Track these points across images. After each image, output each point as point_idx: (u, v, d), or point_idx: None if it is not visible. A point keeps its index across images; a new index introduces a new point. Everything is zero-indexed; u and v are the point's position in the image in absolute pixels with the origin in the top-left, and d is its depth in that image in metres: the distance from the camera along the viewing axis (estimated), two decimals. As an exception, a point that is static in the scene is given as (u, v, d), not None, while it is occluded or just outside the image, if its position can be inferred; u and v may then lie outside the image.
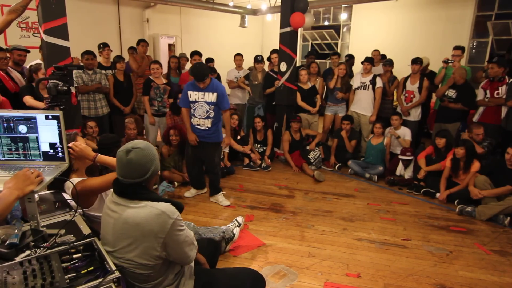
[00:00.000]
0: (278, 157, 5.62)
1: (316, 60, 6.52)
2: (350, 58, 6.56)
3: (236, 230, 2.94)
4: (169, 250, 1.47)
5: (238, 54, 6.22)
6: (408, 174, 4.60)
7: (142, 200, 1.46)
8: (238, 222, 3.07)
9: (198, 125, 3.74)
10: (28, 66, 4.76)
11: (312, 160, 5.19)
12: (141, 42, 5.61)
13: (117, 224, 1.46)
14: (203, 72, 3.49)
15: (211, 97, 3.61)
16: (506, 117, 4.39)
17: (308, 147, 5.35)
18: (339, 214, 3.69)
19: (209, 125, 3.70)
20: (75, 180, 1.93)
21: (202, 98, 3.62)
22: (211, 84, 3.62)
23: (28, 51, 4.57)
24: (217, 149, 3.96)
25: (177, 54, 7.41)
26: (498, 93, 4.44)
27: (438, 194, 4.12)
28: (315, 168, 5.16)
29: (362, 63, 5.30)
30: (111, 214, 1.49)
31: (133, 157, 1.44)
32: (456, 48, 5.16)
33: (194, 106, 3.69)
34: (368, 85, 5.22)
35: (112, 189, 1.58)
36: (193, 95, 3.65)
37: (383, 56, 6.55)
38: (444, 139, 4.29)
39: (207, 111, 3.66)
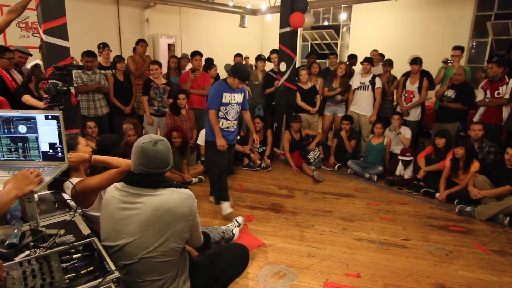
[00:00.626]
0: (277, 157, 5.62)
1: (316, 60, 6.53)
2: (352, 58, 6.56)
3: (236, 230, 2.94)
4: (192, 231, 1.60)
5: (238, 55, 6.23)
6: (407, 174, 4.61)
7: (166, 188, 1.53)
8: (237, 222, 3.08)
9: (228, 127, 3.61)
10: (29, 66, 4.76)
11: (311, 160, 5.19)
12: (140, 42, 5.60)
13: (144, 214, 1.47)
14: (248, 71, 3.49)
15: (240, 98, 3.61)
16: (508, 118, 4.38)
17: (308, 147, 5.35)
18: (339, 214, 3.69)
19: (235, 127, 3.71)
20: (74, 180, 1.93)
21: (234, 99, 3.56)
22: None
23: (30, 55, 4.56)
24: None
25: (178, 54, 7.41)
26: (498, 93, 4.44)
27: (437, 194, 4.12)
28: (314, 168, 5.16)
29: (361, 63, 5.30)
30: (130, 206, 1.49)
31: (160, 148, 1.53)
32: (456, 48, 5.17)
33: (226, 109, 3.54)
34: (368, 85, 5.23)
35: (115, 184, 1.59)
36: (227, 97, 3.51)
37: (382, 56, 6.55)
38: (443, 139, 4.29)
39: (237, 112, 3.65)
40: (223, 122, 3.57)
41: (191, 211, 1.54)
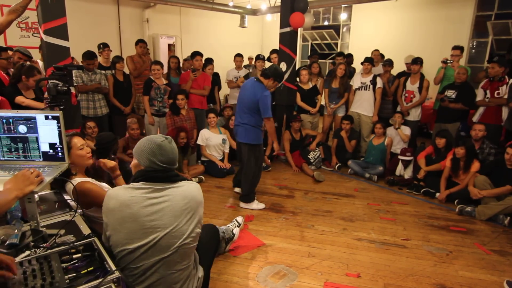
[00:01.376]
0: (278, 157, 5.62)
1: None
2: (346, 57, 6.55)
3: (236, 230, 2.94)
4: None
5: (239, 55, 6.23)
6: (408, 174, 4.61)
7: (181, 181, 1.66)
8: (237, 222, 3.08)
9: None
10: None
11: (312, 160, 5.19)
12: (140, 42, 5.58)
13: (176, 204, 1.57)
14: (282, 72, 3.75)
15: None
16: (508, 118, 4.38)
17: (308, 147, 5.35)
18: (339, 214, 3.69)
19: None
20: (76, 180, 1.93)
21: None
22: None
23: (31, 57, 4.56)
24: None
25: (178, 55, 7.41)
26: (498, 93, 4.44)
27: (438, 194, 4.12)
28: (315, 168, 5.16)
29: (362, 63, 5.30)
30: (159, 200, 1.55)
31: (174, 146, 1.66)
32: (455, 48, 5.17)
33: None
34: (369, 85, 5.23)
35: (126, 186, 1.60)
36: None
37: (383, 56, 6.56)
38: (444, 139, 4.29)
39: None
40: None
41: (202, 199, 1.70)
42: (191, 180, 1.73)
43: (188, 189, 1.64)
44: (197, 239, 1.67)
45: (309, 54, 8.86)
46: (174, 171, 1.67)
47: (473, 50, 7.93)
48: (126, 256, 1.52)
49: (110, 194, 1.57)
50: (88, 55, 4.62)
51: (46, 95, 2.34)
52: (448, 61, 5.10)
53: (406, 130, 4.93)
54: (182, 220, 1.56)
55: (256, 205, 3.79)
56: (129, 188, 1.57)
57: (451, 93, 4.75)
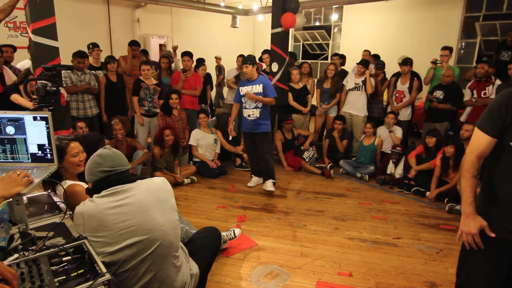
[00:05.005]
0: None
1: (307, 61, 6.56)
2: (340, 59, 6.59)
3: (227, 238, 2.90)
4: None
5: (241, 55, 6.20)
6: (398, 172, 4.65)
7: (141, 179, 1.62)
8: (234, 234, 2.96)
9: (249, 115, 4.20)
10: (19, 64, 4.68)
11: (307, 160, 5.21)
12: (133, 45, 5.50)
13: (141, 199, 1.54)
14: (249, 57, 4.16)
15: (257, 88, 4.11)
16: None
17: (302, 147, 5.37)
18: (331, 214, 3.71)
19: (258, 115, 4.15)
20: (67, 182, 1.90)
21: (250, 90, 4.13)
22: (258, 78, 4.15)
23: (14, 47, 4.52)
24: (268, 138, 4.33)
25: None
26: (485, 93, 4.52)
27: (428, 193, 4.17)
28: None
29: (357, 64, 5.35)
30: (122, 202, 1.51)
31: (115, 151, 1.64)
32: (444, 48, 5.25)
33: (245, 99, 4.19)
34: (362, 85, 5.27)
35: (85, 202, 1.53)
36: (243, 90, 4.18)
37: (374, 56, 6.60)
38: (434, 138, 4.34)
39: (255, 101, 4.14)
40: (244, 111, 4.24)
41: (169, 187, 1.70)
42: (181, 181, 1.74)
43: (151, 182, 1.63)
44: (178, 228, 1.66)
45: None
46: (129, 171, 1.64)
47: (462, 51, 8.05)
48: (112, 261, 1.49)
49: (76, 211, 1.53)
50: (79, 54, 4.55)
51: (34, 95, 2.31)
52: (438, 62, 5.17)
53: (398, 131, 4.97)
54: (153, 212, 1.54)
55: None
56: (91, 200, 1.54)
57: (439, 94, 4.81)
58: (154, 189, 1.60)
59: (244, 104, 4.23)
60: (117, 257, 1.48)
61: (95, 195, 1.54)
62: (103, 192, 1.53)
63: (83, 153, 2.08)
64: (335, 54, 6.56)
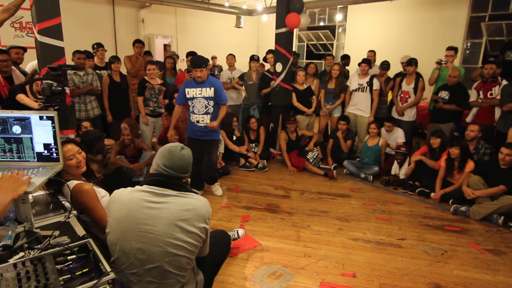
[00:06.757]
0: (274, 157, 5.63)
1: (313, 61, 6.54)
2: (344, 59, 6.58)
3: (241, 232, 2.93)
4: (207, 236, 1.64)
5: (230, 54, 6.19)
6: (402, 173, 4.62)
7: (186, 192, 1.60)
8: (237, 235, 2.97)
9: (198, 121, 3.76)
10: (28, 65, 4.71)
11: (311, 160, 5.20)
12: (136, 43, 5.56)
13: (174, 212, 1.51)
14: (199, 58, 3.67)
15: (207, 92, 3.70)
16: (500, 119, 4.43)
17: (306, 148, 5.36)
18: (335, 214, 3.70)
19: (208, 122, 3.75)
20: (73, 182, 1.90)
21: (199, 94, 3.70)
22: (208, 79, 3.71)
23: (25, 49, 4.53)
24: (216, 147, 4.02)
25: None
26: (491, 94, 4.48)
27: (432, 194, 4.15)
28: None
29: (359, 64, 5.33)
30: (156, 205, 1.52)
31: (185, 154, 1.62)
32: (449, 48, 5.21)
33: (193, 103, 3.73)
34: (366, 87, 5.25)
35: (132, 188, 1.59)
36: (190, 92, 3.71)
37: (384, 65, 6.54)
38: (439, 139, 4.31)
39: (206, 106, 3.73)
40: (191, 116, 3.80)
41: (209, 214, 1.62)
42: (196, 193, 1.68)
43: (192, 201, 1.57)
44: (194, 254, 1.60)
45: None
46: (181, 180, 1.62)
47: (467, 51, 7.99)
48: (120, 258, 1.52)
49: (114, 194, 1.59)
50: (78, 51, 4.58)
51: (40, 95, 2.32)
52: (443, 62, 5.14)
53: (400, 135, 4.95)
54: (175, 230, 1.50)
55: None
56: (132, 190, 1.58)
57: (444, 94, 4.78)
58: (191, 208, 1.54)
59: (191, 108, 3.76)
60: (128, 257, 1.50)
61: (137, 186, 1.59)
62: (145, 187, 1.57)
63: (80, 153, 2.04)
64: (329, 55, 6.51)
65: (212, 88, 3.68)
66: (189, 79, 3.80)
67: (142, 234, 1.49)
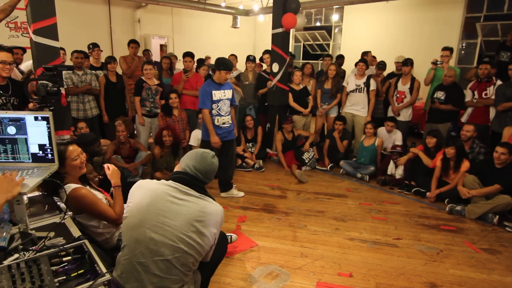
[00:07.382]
0: (270, 157, 5.63)
1: (310, 61, 6.55)
2: (338, 58, 6.59)
3: (233, 237, 2.92)
4: (215, 241, 1.70)
5: (232, 55, 6.20)
6: (399, 173, 4.65)
7: (206, 196, 1.68)
8: (230, 240, 2.94)
9: (224, 123, 3.81)
10: (24, 65, 4.68)
11: (306, 161, 5.21)
12: (131, 43, 5.54)
13: (192, 211, 1.59)
14: (231, 62, 3.79)
15: (229, 94, 3.83)
16: (494, 119, 4.46)
17: (302, 148, 5.36)
18: (331, 214, 3.71)
19: (230, 121, 3.89)
20: (70, 186, 1.90)
21: (224, 95, 3.77)
22: (227, 82, 3.85)
23: (25, 50, 4.51)
24: (235, 145, 4.14)
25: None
26: (486, 94, 4.51)
27: (428, 194, 4.16)
28: (309, 168, 5.19)
29: (356, 64, 5.34)
30: (178, 201, 1.60)
31: (215, 162, 1.76)
32: (445, 49, 5.24)
33: (218, 105, 3.75)
34: (363, 87, 5.26)
35: (159, 181, 1.66)
36: (217, 94, 3.72)
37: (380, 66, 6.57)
38: (435, 139, 4.34)
39: (229, 108, 3.86)
40: (217, 119, 3.77)
41: (222, 221, 1.71)
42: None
43: (211, 205, 1.65)
44: (201, 257, 1.65)
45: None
46: (204, 185, 1.71)
47: (463, 51, 8.04)
48: (131, 245, 1.55)
49: (140, 182, 1.70)
50: (79, 51, 4.57)
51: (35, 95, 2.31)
52: (438, 62, 5.17)
53: (398, 140, 4.97)
54: (191, 229, 1.56)
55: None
56: (158, 182, 1.67)
57: (440, 95, 4.81)
58: (208, 212, 1.62)
59: (217, 111, 3.74)
60: (140, 245, 1.54)
61: (162, 180, 1.68)
62: (171, 182, 1.65)
63: (82, 154, 2.05)
64: (327, 55, 6.53)
65: (231, 90, 3.86)
66: (208, 81, 3.77)
67: (159, 225, 1.54)
